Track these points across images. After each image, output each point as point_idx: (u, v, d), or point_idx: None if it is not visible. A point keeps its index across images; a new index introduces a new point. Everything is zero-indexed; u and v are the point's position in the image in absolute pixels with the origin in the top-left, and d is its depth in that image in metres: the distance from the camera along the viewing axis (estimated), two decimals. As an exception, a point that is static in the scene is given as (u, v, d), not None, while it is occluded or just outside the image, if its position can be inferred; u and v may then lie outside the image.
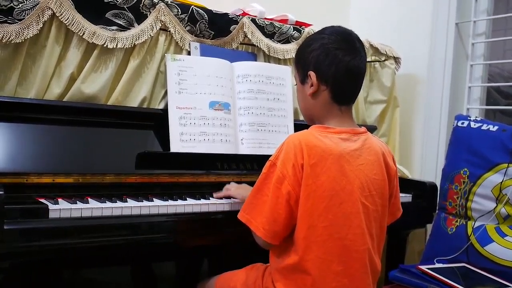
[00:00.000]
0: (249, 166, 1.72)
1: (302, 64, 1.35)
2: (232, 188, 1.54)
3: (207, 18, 1.76)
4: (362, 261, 1.26)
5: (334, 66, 1.29)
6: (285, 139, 1.28)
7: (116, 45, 1.57)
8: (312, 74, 1.31)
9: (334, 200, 1.23)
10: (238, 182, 1.63)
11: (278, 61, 1.97)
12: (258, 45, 1.90)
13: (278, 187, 1.23)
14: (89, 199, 1.36)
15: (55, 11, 1.47)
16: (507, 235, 1.78)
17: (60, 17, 1.48)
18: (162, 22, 1.67)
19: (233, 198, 1.51)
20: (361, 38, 1.36)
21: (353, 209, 1.24)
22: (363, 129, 1.35)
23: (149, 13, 1.65)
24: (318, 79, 1.31)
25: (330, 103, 1.32)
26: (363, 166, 1.27)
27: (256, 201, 1.27)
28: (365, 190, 1.27)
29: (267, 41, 1.93)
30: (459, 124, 2.01)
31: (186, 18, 1.72)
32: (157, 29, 1.66)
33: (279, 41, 1.97)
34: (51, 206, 1.23)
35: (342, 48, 1.30)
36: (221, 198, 1.53)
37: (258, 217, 1.25)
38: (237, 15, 1.87)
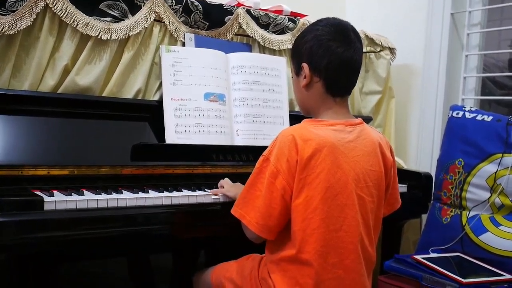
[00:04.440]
0: (244, 157, 1.72)
1: (297, 55, 1.35)
2: (225, 185, 1.52)
3: (201, 9, 1.76)
4: (356, 252, 1.26)
5: (327, 58, 1.28)
6: (278, 133, 1.27)
7: (110, 36, 1.57)
8: (305, 65, 1.30)
9: (329, 192, 1.22)
10: (234, 174, 1.63)
11: (273, 52, 1.96)
12: (253, 36, 1.89)
13: (272, 182, 1.23)
14: (84, 191, 1.36)
15: (48, 2, 1.46)
16: (501, 225, 1.79)
17: (53, 8, 1.47)
18: (157, 13, 1.66)
19: (226, 196, 1.50)
20: (356, 29, 1.35)
21: (348, 201, 1.24)
22: (358, 120, 1.34)
23: (143, 4, 1.64)
24: (311, 70, 1.30)
25: (324, 95, 1.31)
26: (358, 158, 1.27)
27: (250, 196, 1.26)
28: (361, 181, 1.27)
29: (262, 32, 1.92)
30: (454, 114, 2.01)
31: (181, 9, 1.72)
32: (151, 20, 1.65)
33: (274, 32, 1.97)
34: (46, 198, 1.23)
35: (335, 39, 1.28)
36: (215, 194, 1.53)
37: (251, 212, 1.25)
38: (231, 6, 1.86)
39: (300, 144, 1.22)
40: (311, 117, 1.35)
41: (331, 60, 1.28)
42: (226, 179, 1.56)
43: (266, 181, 1.23)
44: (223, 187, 1.52)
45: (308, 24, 1.98)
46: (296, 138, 1.22)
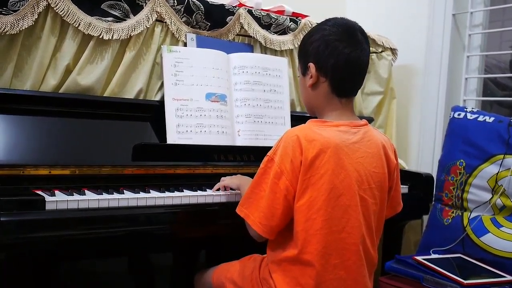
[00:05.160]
0: (245, 157, 1.72)
1: (303, 55, 1.35)
2: (226, 178, 1.54)
3: (203, 9, 1.76)
4: (358, 253, 1.26)
5: (334, 58, 1.28)
6: (283, 134, 1.27)
7: (112, 36, 1.57)
8: (311, 65, 1.30)
9: (333, 193, 1.22)
10: (235, 174, 1.63)
11: (274, 52, 1.96)
12: (255, 37, 1.89)
13: (276, 182, 1.23)
14: (86, 190, 1.35)
15: (50, 2, 1.46)
16: (503, 226, 1.79)
17: (55, 8, 1.47)
18: (158, 13, 1.66)
19: (229, 187, 1.51)
20: (364, 30, 1.34)
21: (352, 202, 1.24)
22: (363, 121, 1.34)
23: (144, 4, 1.64)
24: (318, 70, 1.30)
25: (329, 95, 1.31)
26: (362, 159, 1.27)
27: (254, 196, 1.26)
28: (364, 183, 1.27)
29: (263, 32, 1.92)
30: (456, 115, 2.01)
31: (182, 9, 1.72)
32: (153, 20, 1.65)
33: (275, 33, 1.97)
34: (47, 198, 1.23)
35: (342, 40, 1.28)
36: (217, 190, 1.53)
37: (255, 212, 1.25)
38: (233, 6, 1.86)
39: (305, 144, 1.22)
40: (316, 117, 1.35)
41: (337, 60, 1.27)
42: (228, 176, 1.56)
43: (270, 182, 1.23)
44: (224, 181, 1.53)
45: (310, 25, 1.99)
46: (300, 138, 1.22)
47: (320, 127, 1.27)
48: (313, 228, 1.22)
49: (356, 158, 1.26)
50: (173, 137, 1.61)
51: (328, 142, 1.23)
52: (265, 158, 1.27)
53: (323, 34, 1.30)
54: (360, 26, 1.34)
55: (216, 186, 1.53)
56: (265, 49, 1.95)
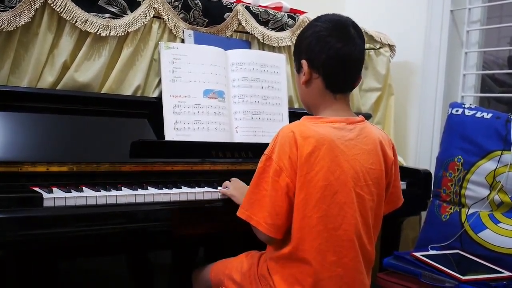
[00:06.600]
0: (243, 154, 1.72)
1: (297, 52, 1.35)
2: (230, 187, 1.49)
3: (201, 6, 1.75)
4: (355, 250, 1.26)
5: (325, 53, 1.27)
6: (278, 131, 1.27)
7: (109, 33, 1.56)
8: (304, 62, 1.30)
9: (328, 190, 1.22)
10: (233, 170, 1.63)
11: (272, 49, 1.96)
12: (253, 33, 1.89)
13: (276, 180, 1.22)
14: (83, 187, 1.36)
15: (47, -2, 1.46)
16: (501, 222, 1.79)
17: (52, 5, 1.47)
18: (156, 9, 1.66)
19: (232, 198, 1.46)
20: (358, 25, 1.33)
21: (347, 199, 1.24)
22: (360, 117, 1.33)
23: (142, 0, 1.63)
24: (310, 67, 1.29)
25: (323, 92, 1.30)
26: (358, 156, 1.26)
27: (255, 197, 1.25)
28: (361, 180, 1.26)
29: (261, 28, 1.92)
30: (454, 111, 2.01)
31: (180, 6, 1.71)
32: (151, 16, 1.65)
33: (273, 29, 1.96)
34: (45, 195, 1.23)
35: (333, 35, 1.27)
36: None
37: (258, 213, 1.24)
38: (231, 2, 1.86)
39: (300, 141, 1.21)
40: (312, 114, 1.35)
41: (329, 55, 1.27)
42: (233, 179, 1.52)
43: (271, 180, 1.22)
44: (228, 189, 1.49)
45: (308, 21, 1.98)
46: (296, 135, 1.22)
47: (315, 123, 1.27)
48: (309, 225, 1.22)
49: (352, 155, 1.25)
50: (171, 134, 1.60)
51: (323, 138, 1.22)
52: (263, 157, 1.26)
53: (314, 31, 1.29)
54: (353, 22, 1.32)
55: (221, 191, 1.49)
56: (263, 46, 1.95)
